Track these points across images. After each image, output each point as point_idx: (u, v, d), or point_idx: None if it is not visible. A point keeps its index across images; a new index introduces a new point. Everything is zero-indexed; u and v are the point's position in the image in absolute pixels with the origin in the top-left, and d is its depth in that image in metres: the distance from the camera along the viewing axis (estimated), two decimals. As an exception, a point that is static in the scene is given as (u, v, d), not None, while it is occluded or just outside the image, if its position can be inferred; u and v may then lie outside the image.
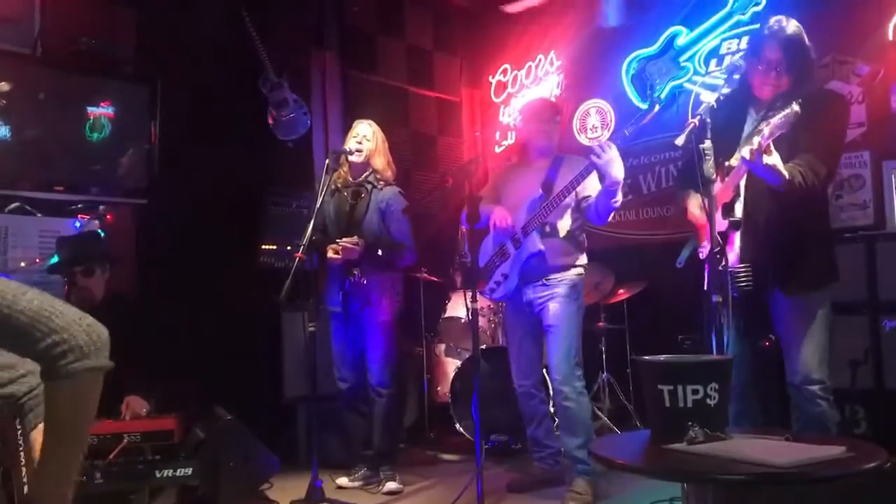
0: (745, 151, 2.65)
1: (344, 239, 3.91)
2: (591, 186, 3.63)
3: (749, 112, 2.95)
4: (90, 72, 4.42)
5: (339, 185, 4.15)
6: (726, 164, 2.79)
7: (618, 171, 3.42)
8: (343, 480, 4.10)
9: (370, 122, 4.20)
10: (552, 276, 3.69)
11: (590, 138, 5.92)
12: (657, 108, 3.93)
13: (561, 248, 3.71)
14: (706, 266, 2.86)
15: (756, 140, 2.59)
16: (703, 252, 2.91)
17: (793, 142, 2.70)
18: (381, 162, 4.14)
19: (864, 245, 4.05)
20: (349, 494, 3.96)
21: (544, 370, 4.07)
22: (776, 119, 2.55)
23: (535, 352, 3.86)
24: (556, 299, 3.68)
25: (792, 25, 2.84)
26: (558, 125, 3.93)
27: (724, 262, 2.75)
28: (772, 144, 2.59)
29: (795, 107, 2.51)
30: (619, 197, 3.59)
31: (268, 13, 5.14)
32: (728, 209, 2.82)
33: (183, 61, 4.63)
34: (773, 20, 2.86)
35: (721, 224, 2.82)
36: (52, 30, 4.34)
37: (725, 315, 2.61)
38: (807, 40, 2.85)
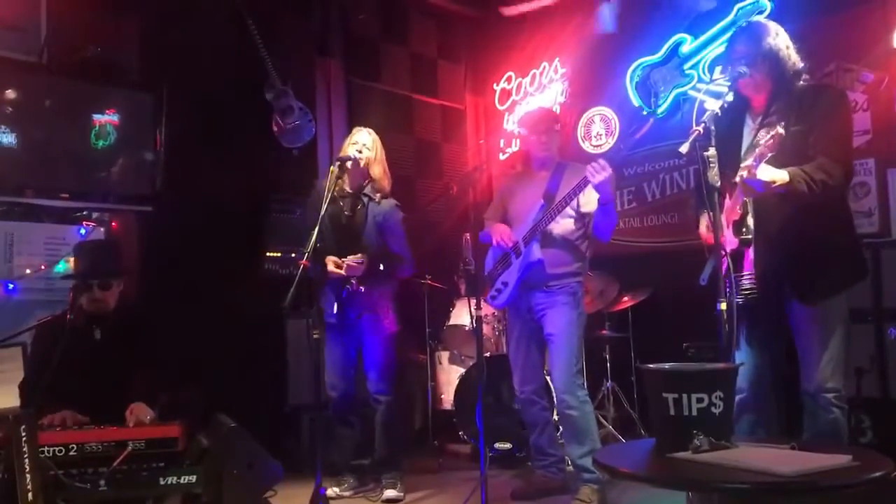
0: (739, 182, 2.65)
1: (349, 257, 3.86)
2: (592, 202, 3.64)
3: (746, 122, 2.95)
4: (96, 80, 4.44)
5: (335, 195, 4.08)
6: (733, 180, 2.78)
7: (608, 191, 3.45)
8: (332, 491, 4.01)
9: (369, 130, 4.16)
10: (552, 284, 3.72)
11: (594, 146, 5.92)
12: (651, 120, 3.99)
13: (560, 257, 3.74)
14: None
15: (748, 161, 2.58)
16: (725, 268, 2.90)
17: (799, 149, 2.69)
18: (378, 171, 4.08)
19: (869, 253, 4.02)
20: (350, 503, 3.95)
21: (547, 377, 4.06)
22: (763, 142, 2.54)
23: (537, 358, 3.88)
24: (556, 307, 3.71)
25: (758, 21, 2.82)
26: (558, 134, 3.94)
27: (728, 271, 2.75)
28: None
29: (780, 129, 2.50)
30: (615, 218, 3.67)
31: (272, 22, 5.16)
32: (738, 227, 2.81)
33: (188, 69, 4.65)
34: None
35: (733, 242, 2.81)
36: (58, 38, 4.36)
37: (730, 323, 2.60)
38: (771, 31, 2.84)
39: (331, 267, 3.91)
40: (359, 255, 3.88)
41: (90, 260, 3.47)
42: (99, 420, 3.04)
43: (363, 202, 4.06)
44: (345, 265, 3.86)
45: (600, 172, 3.36)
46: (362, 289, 3.93)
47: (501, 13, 6.41)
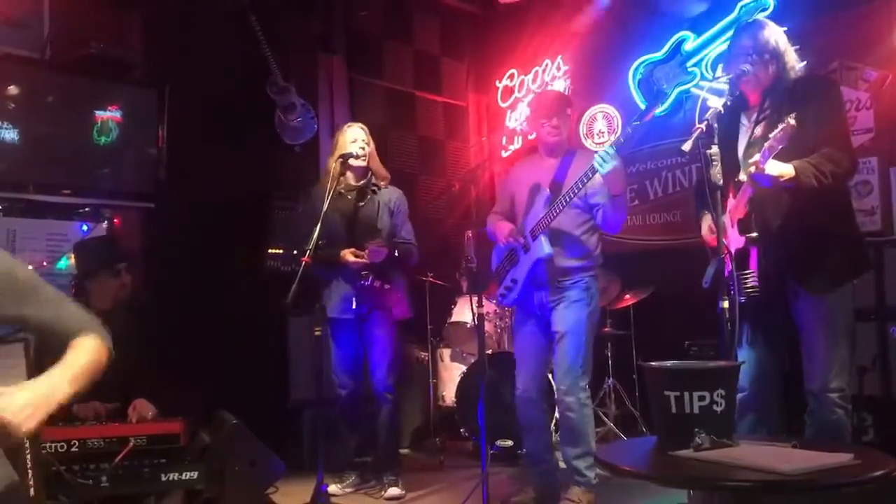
0: (744, 177, 2.65)
1: (370, 242, 3.88)
2: (601, 192, 3.49)
3: (741, 120, 2.94)
4: (98, 76, 4.44)
5: (341, 191, 4.10)
6: (736, 179, 2.77)
7: (619, 183, 3.32)
8: (334, 488, 4.01)
9: (360, 124, 4.19)
10: (563, 280, 3.56)
11: (596, 143, 5.91)
12: (659, 106, 3.89)
13: (570, 251, 3.57)
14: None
15: (756, 157, 2.58)
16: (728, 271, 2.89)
17: (799, 141, 2.68)
18: (377, 162, 4.17)
19: (871, 251, 4.02)
20: (351, 500, 3.96)
21: (549, 375, 4.01)
22: (774, 134, 2.53)
23: (543, 358, 3.68)
24: (566, 304, 3.54)
25: (761, 19, 2.82)
26: (569, 118, 3.75)
27: (730, 268, 2.75)
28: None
29: (791, 121, 2.48)
30: (625, 210, 3.54)
31: (275, 19, 5.16)
32: (744, 225, 2.80)
33: (191, 66, 4.65)
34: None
35: (739, 241, 2.80)
36: (60, 34, 4.37)
37: (732, 322, 2.59)
38: (774, 29, 2.86)
39: (351, 258, 3.90)
40: (378, 240, 3.90)
41: (105, 249, 3.48)
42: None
43: (373, 192, 4.10)
44: (367, 251, 3.86)
45: (608, 161, 3.19)
46: (377, 283, 3.95)
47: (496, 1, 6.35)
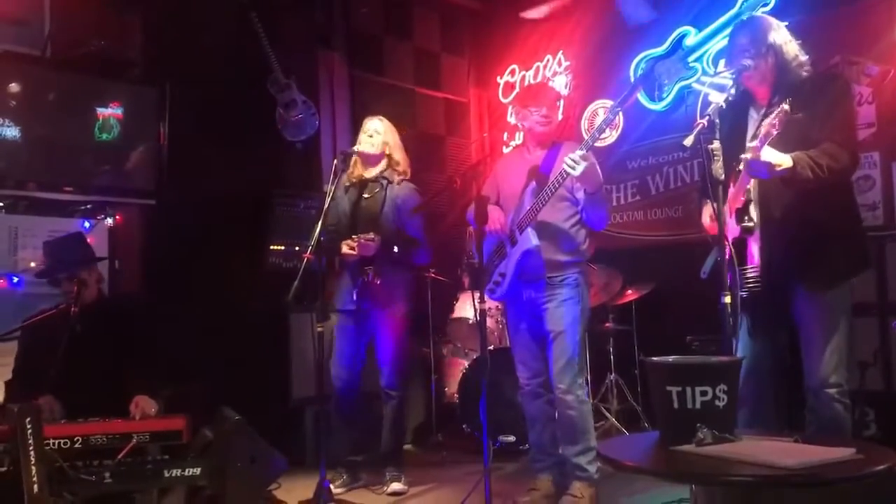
0: (743, 164, 2.65)
1: (361, 235, 3.89)
2: (580, 189, 3.47)
3: (750, 114, 2.94)
4: (99, 73, 4.44)
5: (352, 182, 4.13)
6: (737, 169, 2.77)
7: (592, 181, 3.31)
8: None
9: (380, 117, 4.19)
10: (552, 276, 3.52)
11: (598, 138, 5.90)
12: (640, 88, 3.88)
13: (558, 244, 3.52)
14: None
15: (752, 143, 2.58)
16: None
17: (803, 136, 2.68)
18: (399, 155, 4.15)
19: (873, 246, 4.02)
20: (354, 495, 3.96)
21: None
22: (767, 121, 2.53)
23: (541, 353, 3.65)
24: (556, 303, 3.51)
25: (757, 15, 2.82)
26: (557, 111, 3.73)
27: (732, 261, 2.75)
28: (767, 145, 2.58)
29: (785, 106, 2.49)
30: (605, 206, 3.53)
31: (276, 15, 5.16)
32: (741, 214, 2.80)
33: (191, 63, 4.64)
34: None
35: (734, 230, 2.80)
36: (61, 32, 4.37)
37: (734, 316, 2.59)
38: (772, 24, 2.86)
39: (345, 250, 3.93)
40: (370, 234, 3.89)
41: (47, 257, 3.48)
42: (90, 412, 3.04)
43: (381, 185, 4.09)
44: (357, 244, 3.87)
45: (579, 164, 3.18)
46: (378, 280, 3.94)
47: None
